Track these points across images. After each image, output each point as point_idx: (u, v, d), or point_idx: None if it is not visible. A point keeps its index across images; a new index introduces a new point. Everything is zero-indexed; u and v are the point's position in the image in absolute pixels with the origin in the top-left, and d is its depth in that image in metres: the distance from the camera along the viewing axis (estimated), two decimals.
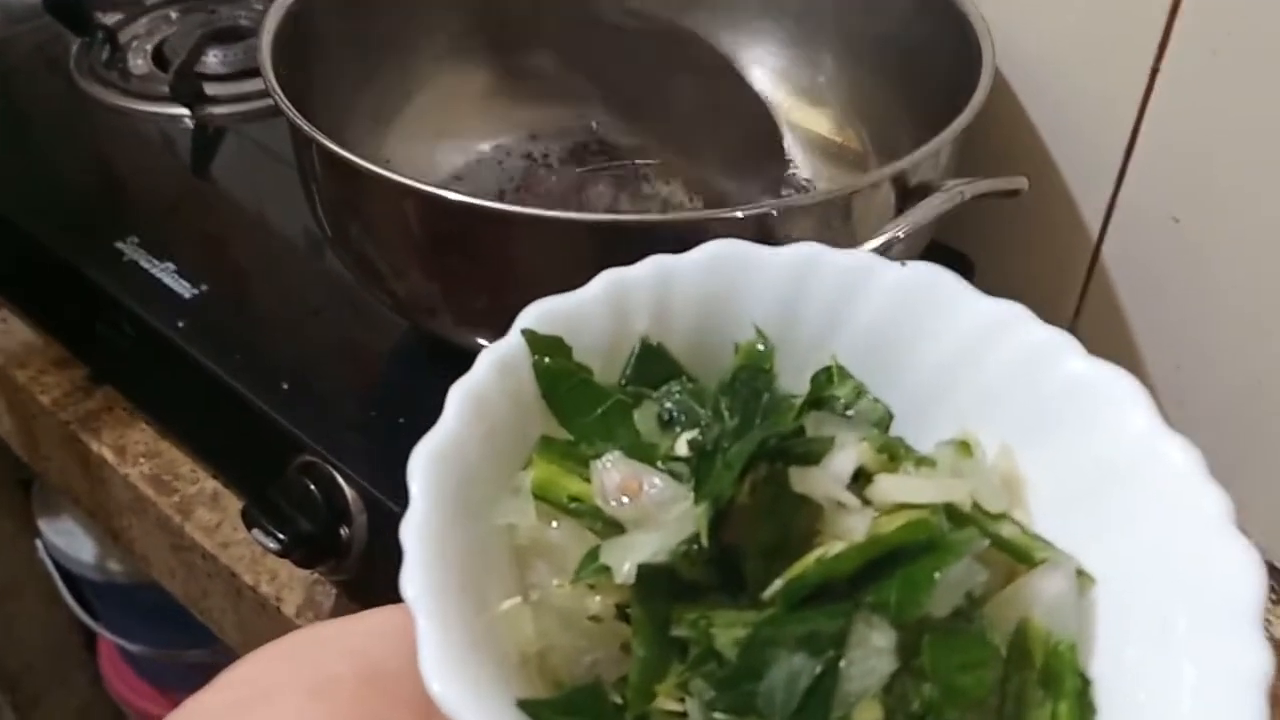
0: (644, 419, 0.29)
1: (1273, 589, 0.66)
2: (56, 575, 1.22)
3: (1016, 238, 0.68)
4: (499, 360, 0.28)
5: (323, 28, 0.66)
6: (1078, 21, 0.61)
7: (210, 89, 0.82)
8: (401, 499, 0.35)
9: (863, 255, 0.30)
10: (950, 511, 0.26)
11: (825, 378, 0.30)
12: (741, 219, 0.49)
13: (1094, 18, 0.60)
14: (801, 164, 0.73)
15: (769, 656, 0.23)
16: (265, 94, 0.56)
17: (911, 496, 0.26)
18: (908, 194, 0.53)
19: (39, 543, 1.22)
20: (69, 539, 1.19)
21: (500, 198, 0.70)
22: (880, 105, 0.70)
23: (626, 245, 0.50)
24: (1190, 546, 0.24)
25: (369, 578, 0.60)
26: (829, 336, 0.31)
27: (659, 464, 0.27)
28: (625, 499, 0.26)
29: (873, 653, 0.23)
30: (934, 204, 0.49)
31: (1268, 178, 0.57)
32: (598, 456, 0.27)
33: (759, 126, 0.74)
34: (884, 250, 0.48)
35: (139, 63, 0.86)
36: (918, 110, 0.64)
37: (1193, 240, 0.61)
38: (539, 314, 0.29)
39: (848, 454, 0.27)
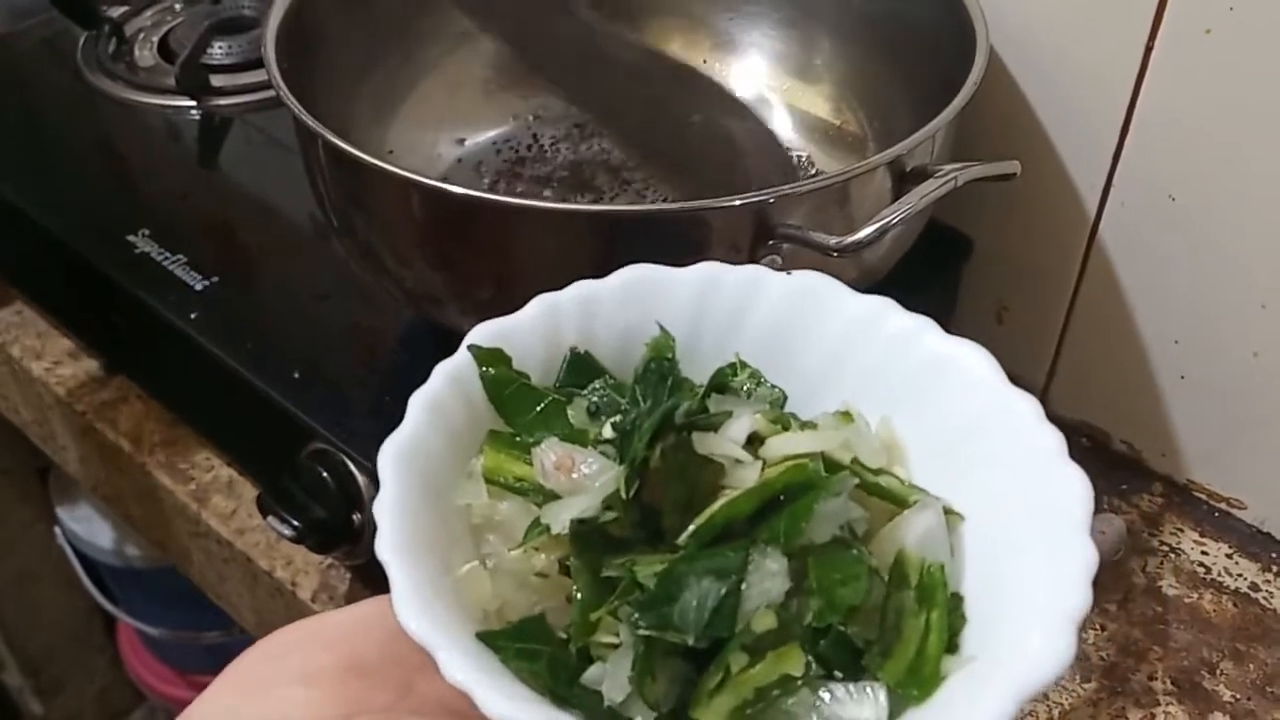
0: (576, 413, 0.34)
1: (1273, 559, 0.67)
2: (75, 561, 1.24)
3: (1015, 216, 0.69)
4: (451, 371, 0.33)
5: (325, 20, 0.66)
6: (1071, 1, 0.61)
7: (216, 80, 0.83)
8: None
9: (754, 269, 0.36)
10: (826, 459, 0.31)
11: (729, 370, 0.35)
12: (739, 206, 0.49)
13: None
14: (801, 145, 0.73)
15: (683, 584, 0.28)
16: (270, 84, 0.57)
17: (795, 449, 0.31)
18: (904, 178, 0.53)
19: (57, 529, 1.24)
20: (87, 525, 1.21)
21: (506, 183, 0.71)
22: (877, 86, 0.70)
23: (624, 234, 0.51)
24: (1036, 478, 0.30)
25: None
26: (731, 340, 0.36)
27: (591, 447, 0.32)
28: (561, 475, 0.31)
29: (768, 576, 0.28)
30: (927, 190, 0.50)
31: (1262, 154, 0.58)
32: (538, 443, 0.32)
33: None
34: (880, 234, 0.49)
35: (145, 55, 0.87)
36: (915, 90, 0.65)
37: (1189, 217, 0.62)
38: (484, 334, 0.34)
39: (743, 421, 0.32)
